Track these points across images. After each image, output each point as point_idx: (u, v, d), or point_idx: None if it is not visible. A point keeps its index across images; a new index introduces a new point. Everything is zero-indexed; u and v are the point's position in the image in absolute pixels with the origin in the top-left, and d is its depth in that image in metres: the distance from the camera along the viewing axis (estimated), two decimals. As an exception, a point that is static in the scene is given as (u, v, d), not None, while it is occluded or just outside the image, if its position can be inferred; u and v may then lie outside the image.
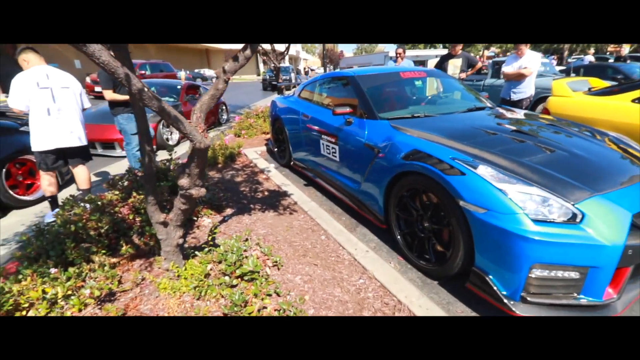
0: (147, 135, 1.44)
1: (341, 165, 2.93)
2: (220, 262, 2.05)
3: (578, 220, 1.53)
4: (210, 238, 2.26)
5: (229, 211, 3.11)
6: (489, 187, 1.66)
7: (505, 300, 1.62)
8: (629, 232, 1.52)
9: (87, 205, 2.47)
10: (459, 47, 5.06)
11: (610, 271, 1.53)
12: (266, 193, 3.57)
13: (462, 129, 2.28)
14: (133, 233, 2.45)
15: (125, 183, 2.97)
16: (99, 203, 2.46)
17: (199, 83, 9.14)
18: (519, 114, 2.84)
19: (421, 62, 7.78)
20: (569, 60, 17.11)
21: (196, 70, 28.11)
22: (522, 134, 2.18)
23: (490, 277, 1.68)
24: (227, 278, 1.87)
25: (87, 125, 3.32)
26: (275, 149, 4.61)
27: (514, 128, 2.29)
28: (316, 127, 3.30)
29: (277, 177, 3.99)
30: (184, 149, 5.72)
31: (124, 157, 5.23)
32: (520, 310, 1.60)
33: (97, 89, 10.63)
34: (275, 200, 3.34)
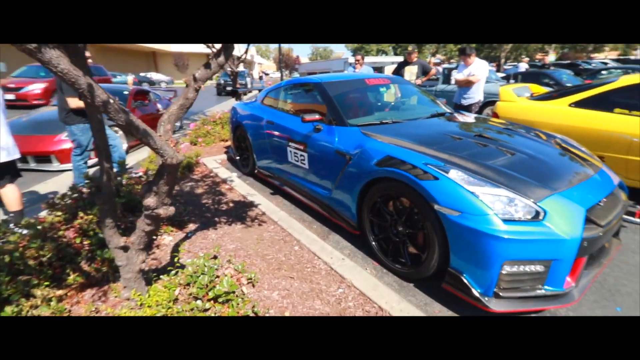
0: (106, 151, 1.28)
1: (311, 173, 2.89)
2: (188, 285, 1.89)
3: (541, 217, 1.65)
4: (176, 259, 2.08)
5: (191, 226, 2.91)
6: (461, 190, 1.72)
7: (480, 298, 1.69)
8: (584, 225, 1.67)
9: (24, 231, 2.16)
10: (414, 54, 5.31)
11: (570, 262, 1.66)
12: (231, 204, 3.41)
13: (430, 135, 2.37)
14: (81, 259, 2.19)
15: (69, 202, 2.65)
16: (39, 227, 2.15)
17: (147, 88, 8.56)
18: (477, 118, 3.02)
19: (378, 69, 8.06)
20: (505, 67, 18.86)
21: (142, 74, 26.36)
22: (484, 138, 2.31)
23: (465, 276, 1.74)
24: (199, 302, 1.73)
25: (17, 137, 2.91)
26: (237, 157, 4.45)
27: (476, 133, 2.43)
28: (283, 134, 3.23)
29: (241, 187, 3.83)
30: (131, 160, 5.30)
31: (62, 171, 4.71)
32: (494, 305, 1.67)
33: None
34: (242, 212, 3.20)
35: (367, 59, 6.55)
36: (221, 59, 1.32)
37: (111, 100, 0.93)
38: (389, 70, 8.71)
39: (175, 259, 2.07)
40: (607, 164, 3.06)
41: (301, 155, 2.95)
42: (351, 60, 9.29)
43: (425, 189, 1.80)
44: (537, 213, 1.65)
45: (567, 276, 1.70)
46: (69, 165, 4.75)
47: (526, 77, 8.92)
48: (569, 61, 18.77)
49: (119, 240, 1.53)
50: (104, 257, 2.16)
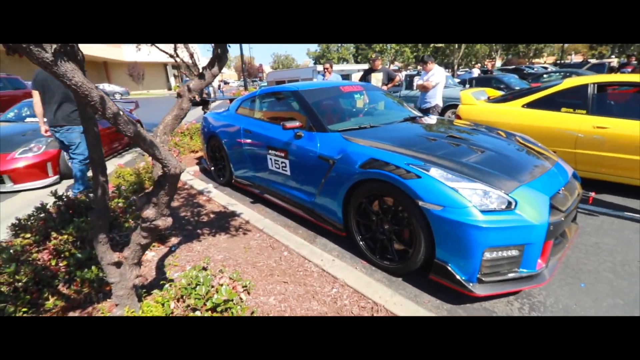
0: (101, 164, 1.25)
1: (293, 179, 2.94)
2: (182, 298, 1.86)
3: (513, 207, 1.83)
4: (168, 272, 2.03)
5: (174, 240, 2.84)
6: (442, 186, 1.87)
7: (465, 284, 1.84)
8: (549, 212, 1.87)
9: (-7, 256, 2.00)
10: (379, 62, 5.57)
11: (540, 245, 1.86)
12: (212, 215, 3.35)
13: (407, 137, 2.52)
14: (59, 282, 2.07)
15: (36, 222, 2.48)
16: (11, 251, 2.01)
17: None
18: (445, 121, 3.25)
19: (346, 76, 8.31)
20: (458, 73, 20.22)
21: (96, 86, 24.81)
22: (456, 139, 2.50)
23: (450, 265, 1.88)
24: (197, 313, 1.71)
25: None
26: (212, 168, 4.38)
27: (447, 133, 2.62)
28: (261, 142, 3.25)
29: (220, 198, 3.78)
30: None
31: (15, 192, 4.35)
32: (478, 290, 1.83)
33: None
34: (224, 222, 3.17)
35: (334, 67, 6.75)
36: (215, 69, 1.35)
37: (121, 112, 0.94)
38: (355, 77, 8.99)
39: (167, 273, 2.02)
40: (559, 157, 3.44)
41: (282, 162, 3.00)
42: (319, 68, 9.49)
43: (410, 187, 1.93)
44: (509, 203, 1.84)
45: (538, 258, 1.89)
46: (24, 186, 4.40)
47: (479, 82, 9.65)
48: (514, 66, 20.49)
49: (113, 256, 1.48)
50: (85, 277, 2.06)
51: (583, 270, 2.23)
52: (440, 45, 22.61)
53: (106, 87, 26.41)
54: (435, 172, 1.94)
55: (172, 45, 3.23)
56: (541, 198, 1.91)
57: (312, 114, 2.85)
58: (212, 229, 3.01)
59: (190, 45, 2.78)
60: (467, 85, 9.15)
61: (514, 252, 1.84)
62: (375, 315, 1.87)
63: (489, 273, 1.85)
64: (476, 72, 14.88)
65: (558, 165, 2.36)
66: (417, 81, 4.92)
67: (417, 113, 3.40)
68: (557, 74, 11.91)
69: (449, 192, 1.84)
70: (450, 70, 22.14)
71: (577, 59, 30.38)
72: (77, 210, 2.83)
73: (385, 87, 5.55)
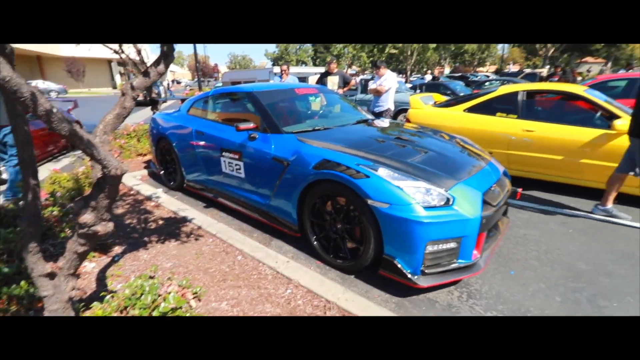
0: (32, 166, 1.14)
1: (248, 181, 2.92)
2: (126, 309, 1.76)
3: (451, 202, 1.99)
4: (110, 283, 1.91)
5: (117, 249, 2.67)
6: (389, 185, 1.98)
7: (410, 277, 1.96)
8: (482, 206, 2.06)
9: None
10: (334, 65, 5.71)
11: (475, 237, 2.04)
12: (161, 222, 3.20)
13: (358, 139, 2.62)
14: (-21, 301, 1.85)
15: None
16: None
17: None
18: (394, 123, 3.43)
19: (303, 79, 8.37)
20: (411, 79, 21.34)
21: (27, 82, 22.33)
22: (403, 140, 2.66)
23: (397, 260, 2.00)
24: (143, 322, 1.63)
25: None
26: (162, 172, 4.17)
27: (395, 135, 2.77)
28: (215, 144, 3.18)
29: (170, 203, 3.62)
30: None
31: None
32: (422, 282, 1.96)
33: None
34: (174, 229, 3.04)
35: (292, 69, 6.78)
36: (161, 67, 1.31)
37: (54, 109, 0.87)
38: (312, 80, 9.10)
39: (110, 284, 1.90)
40: (494, 157, 3.78)
41: (236, 164, 2.96)
42: (277, 70, 9.46)
43: (359, 186, 2.01)
44: (448, 199, 1.99)
45: (473, 249, 2.07)
46: None
47: (429, 88, 10.28)
48: (460, 74, 22.07)
49: (45, 266, 1.36)
50: (12, 294, 1.87)
51: (513, 260, 2.48)
52: (394, 51, 23.65)
53: (40, 84, 23.89)
54: (382, 172, 2.05)
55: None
56: (475, 194, 2.09)
57: (266, 116, 2.86)
58: (160, 236, 2.88)
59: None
60: (418, 90, 9.70)
61: (453, 245, 1.99)
62: (327, 312, 1.92)
63: (431, 265, 1.99)
64: (428, 78, 15.82)
65: (491, 165, 2.60)
66: (370, 85, 5.12)
67: (369, 116, 3.55)
68: (497, 81, 13.07)
69: (395, 190, 1.96)
70: (404, 76, 23.27)
71: (514, 68, 33.49)
72: (4, 220, 2.56)
73: (341, 91, 5.69)
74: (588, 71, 24.19)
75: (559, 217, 3.18)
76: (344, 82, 5.65)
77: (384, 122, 3.41)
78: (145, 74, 1.29)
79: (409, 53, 23.67)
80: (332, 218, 2.31)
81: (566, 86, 4.18)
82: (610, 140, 3.33)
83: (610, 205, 3.10)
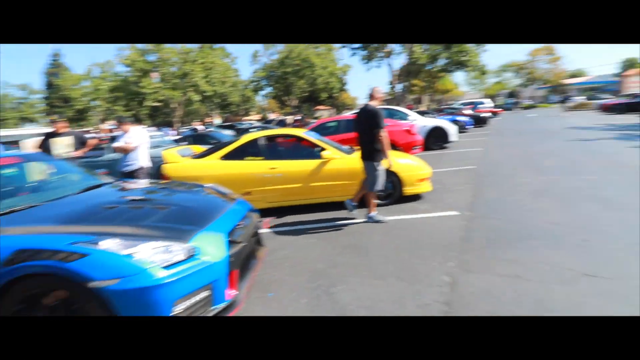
0: None
1: None
2: None
3: (194, 253, 1.99)
4: None
5: None
6: (116, 257, 1.75)
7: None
8: (228, 246, 2.19)
9: None
10: (61, 124, 4.76)
11: (225, 278, 2.12)
12: None
13: (80, 211, 2.21)
14: None
15: None
16: None
17: None
18: (138, 183, 3.17)
19: (9, 143, 6.36)
20: (182, 130, 21.13)
21: None
22: (140, 201, 2.47)
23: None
24: None
25: None
26: None
27: (131, 197, 2.55)
28: None
29: None
30: None
31: None
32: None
33: None
34: None
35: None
36: None
37: None
38: (29, 144, 7.21)
39: None
40: (253, 196, 4.23)
41: None
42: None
43: (74, 270, 1.67)
44: (189, 250, 1.99)
45: (226, 289, 2.14)
46: None
47: (197, 138, 10.46)
48: (230, 123, 24.05)
49: None
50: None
51: (271, 281, 2.79)
52: (159, 104, 22.74)
53: None
54: (107, 244, 1.80)
55: None
56: (218, 237, 2.20)
57: None
58: None
59: None
60: (184, 142, 9.67)
61: (206, 293, 1.99)
62: None
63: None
64: (201, 127, 16.14)
65: (238, 203, 2.85)
66: (113, 144, 4.56)
67: (104, 180, 3.12)
68: (259, 128, 15.09)
69: (125, 260, 1.76)
70: (173, 128, 22.73)
71: (274, 116, 39.96)
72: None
73: (79, 153, 4.80)
74: (317, 117, 32.46)
75: (309, 232, 3.90)
76: (80, 142, 4.80)
77: (124, 184, 3.10)
78: None
79: (177, 105, 23.55)
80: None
81: (291, 130, 5.34)
82: (324, 166, 4.48)
83: (373, 211, 4.00)
